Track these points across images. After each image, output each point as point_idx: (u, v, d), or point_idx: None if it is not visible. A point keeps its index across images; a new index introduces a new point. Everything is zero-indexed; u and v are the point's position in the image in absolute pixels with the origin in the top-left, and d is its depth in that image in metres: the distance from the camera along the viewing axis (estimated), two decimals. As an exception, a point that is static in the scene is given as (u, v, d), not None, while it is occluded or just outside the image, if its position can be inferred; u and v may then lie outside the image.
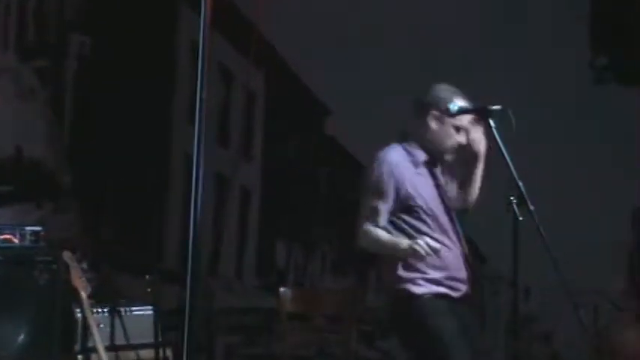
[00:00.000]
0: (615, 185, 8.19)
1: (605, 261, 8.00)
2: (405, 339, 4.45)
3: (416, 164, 4.38)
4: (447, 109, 4.31)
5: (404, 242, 4.18)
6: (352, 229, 4.43)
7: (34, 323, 5.11)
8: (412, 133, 4.44)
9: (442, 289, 4.30)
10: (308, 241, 10.60)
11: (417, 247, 4.09)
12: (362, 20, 8.96)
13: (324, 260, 10.80)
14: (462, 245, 4.42)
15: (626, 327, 6.69)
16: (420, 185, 4.36)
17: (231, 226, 9.87)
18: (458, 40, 8.84)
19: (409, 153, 4.40)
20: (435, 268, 4.27)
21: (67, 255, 5.05)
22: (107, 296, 5.55)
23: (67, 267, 5.03)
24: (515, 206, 4.04)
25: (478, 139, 4.37)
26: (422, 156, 4.40)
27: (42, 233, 5.32)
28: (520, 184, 4.05)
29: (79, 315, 5.22)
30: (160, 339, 5.64)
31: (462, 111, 4.33)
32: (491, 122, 4.23)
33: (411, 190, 4.31)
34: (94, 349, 5.06)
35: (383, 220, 4.31)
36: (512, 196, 4.05)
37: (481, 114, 4.30)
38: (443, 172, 4.50)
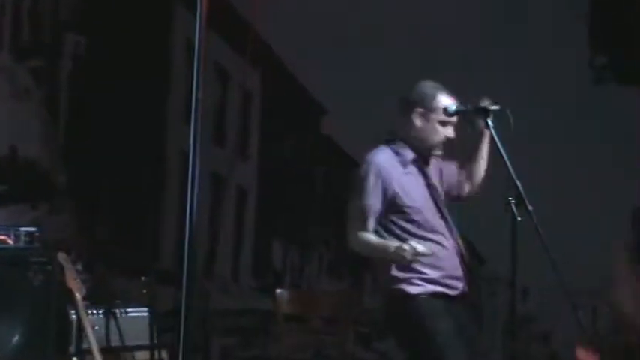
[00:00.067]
0: (615, 185, 8.19)
1: (604, 261, 7.99)
2: (400, 339, 4.45)
3: (404, 164, 4.39)
4: (446, 110, 4.32)
5: (391, 246, 4.18)
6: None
7: (28, 324, 5.08)
8: (399, 131, 4.44)
9: (439, 288, 4.30)
10: (304, 241, 10.58)
11: (403, 253, 4.08)
12: (359, 20, 8.95)
13: (320, 261, 10.78)
14: (457, 243, 4.41)
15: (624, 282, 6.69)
16: (409, 185, 4.36)
17: (227, 225, 9.85)
18: (458, 40, 8.83)
19: (397, 153, 4.41)
20: (431, 267, 4.28)
21: (61, 256, 5.03)
22: (102, 297, 5.53)
23: (61, 268, 5.01)
24: (513, 206, 4.03)
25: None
26: (410, 155, 4.41)
27: (37, 234, 5.30)
28: (518, 184, 4.04)
29: (73, 316, 5.20)
30: (156, 340, 5.63)
31: (459, 111, 4.33)
32: (489, 122, 4.22)
33: (399, 191, 4.32)
34: (89, 351, 5.03)
35: (372, 223, 4.32)
36: (510, 196, 4.04)
37: (479, 114, 4.30)
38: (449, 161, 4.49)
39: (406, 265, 4.22)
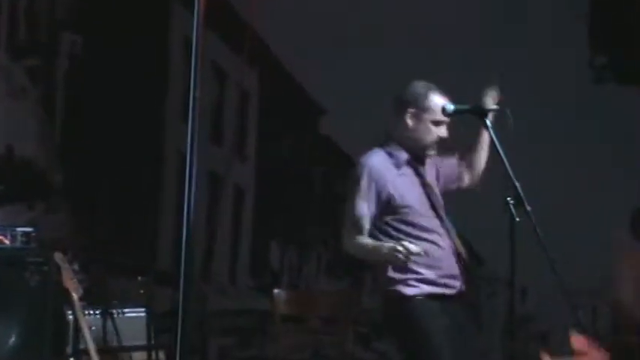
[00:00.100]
0: (615, 185, 8.19)
1: (604, 261, 7.98)
2: (397, 340, 4.44)
3: (398, 165, 4.37)
4: (444, 109, 4.30)
5: (385, 247, 4.17)
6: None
7: (25, 325, 5.05)
8: (392, 131, 4.43)
9: (436, 289, 4.29)
10: (302, 241, 10.57)
11: (397, 254, 4.07)
12: (358, 19, 8.95)
13: (318, 261, 10.77)
14: (453, 242, 4.39)
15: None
16: (404, 186, 4.35)
17: (224, 225, 9.84)
18: (458, 40, 8.83)
19: (391, 155, 4.39)
20: (428, 267, 4.26)
21: (58, 256, 5.01)
22: (99, 298, 5.51)
23: (58, 268, 4.99)
24: (512, 207, 4.01)
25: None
26: (404, 156, 4.39)
27: (33, 234, 5.28)
28: (517, 184, 4.02)
29: (70, 317, 5.18)
30: (153, 341, 5.61)
31: (458, 111, 4.31)
32: (488, 122, 4.21)
33: (393, 193, 4.31)
34: (86, 352, 5.01)
35: (366, 225, 4.31)
36: (509, 196, 4.02)
37: (478, 114, 4.28)
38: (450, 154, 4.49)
39: (402, 266, 4.21)
